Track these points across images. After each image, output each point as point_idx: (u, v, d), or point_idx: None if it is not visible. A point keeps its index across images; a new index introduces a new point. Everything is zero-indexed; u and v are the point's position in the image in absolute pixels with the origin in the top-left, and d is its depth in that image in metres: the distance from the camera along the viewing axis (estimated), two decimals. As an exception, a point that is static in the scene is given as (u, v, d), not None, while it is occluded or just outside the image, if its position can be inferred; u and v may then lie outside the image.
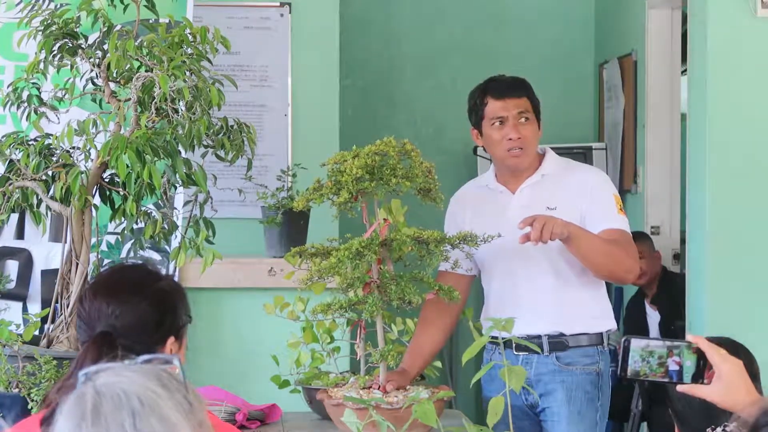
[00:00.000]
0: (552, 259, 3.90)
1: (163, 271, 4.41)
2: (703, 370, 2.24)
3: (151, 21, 3.94)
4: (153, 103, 3.58)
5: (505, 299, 3.93)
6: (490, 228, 3.75)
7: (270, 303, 4.01)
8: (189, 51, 3.72)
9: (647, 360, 2.26)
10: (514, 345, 3.90)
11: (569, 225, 3.72)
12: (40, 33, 3.78)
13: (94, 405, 1.51)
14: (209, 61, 3.79)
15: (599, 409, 3.95)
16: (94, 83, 3.89)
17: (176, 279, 4.38)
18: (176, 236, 3.88)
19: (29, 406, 3.49)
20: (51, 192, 3.71)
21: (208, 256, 3.73)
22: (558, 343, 3.90)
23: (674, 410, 2.73)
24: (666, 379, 2.27)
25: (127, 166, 3.49)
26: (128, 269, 2.77)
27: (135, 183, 3.53)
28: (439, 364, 4.11)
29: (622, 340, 2.28)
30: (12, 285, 4.41)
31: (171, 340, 2.52)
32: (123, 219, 3.70)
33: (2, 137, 3.84)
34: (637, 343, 2.27)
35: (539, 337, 3.90)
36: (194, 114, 3.59)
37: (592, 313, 3.96)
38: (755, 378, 2.61)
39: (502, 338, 3.85)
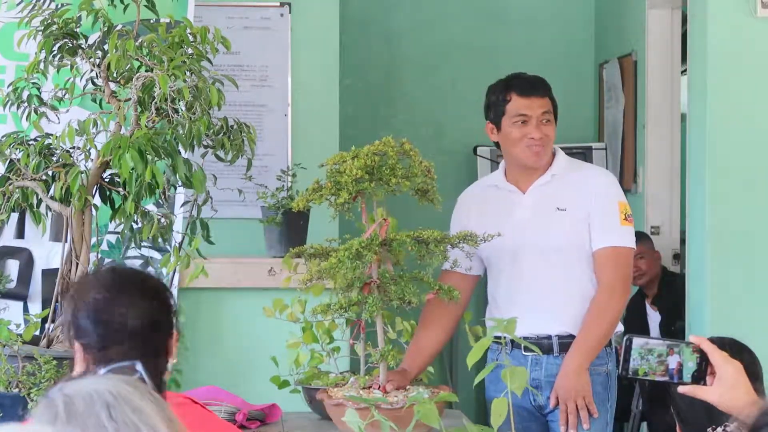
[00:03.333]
0: (561, 259, 3.88)
1: (164, 271, 4.41)
2: (704, 371, 2.24)
3: (151, 21, 3.94)
4: (153, 103, 3.58)
5: (515, 299, 3.90)
6: (497, 226, 3.76)
7: (270, 303, 4.01)
8: (189, 51, 3.72)
9: (647, 358, 2.26)
10: (522, 345, 3.85)
11: (581, 371, 3.81)
12: (41, 33, 3.78)
13: (65, 406, 1.54)
14: (209, 61, 3.79)
15: (609, 410, 3.94)
16: (94, 83, 3.89)
17: (176, 279, 4.39)
18: (176, 236, 3.89)
19: (29, 406, 3.49)
20: (51, 192, 3.71)
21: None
22: (568, 344, 3.87)
23: (676, 409, 2.73)
24: (665, 378, 2.26)
25: (130, 167, 3.49)
26: (128, 271, 2.78)
27: (136, 183, 3.53)
28: (431, 369, 4.09)
29: (624, 338, 2.28)
30: (12, 285, 4.41)
31: (175, 334, 2.55)
32: (123, 219, 3.70)
33: (2, 137, 3.84)
34: (637, 342, 2.27)
35: (549, 337, 3.88)
36: (194, 114, 3.59)
37: None
38: (757, 378, 2.61)
39: (509, 339, 3.85)
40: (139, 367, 1.83)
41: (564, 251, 3.87)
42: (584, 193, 3.90)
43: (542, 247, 3.87)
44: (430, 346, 3.89)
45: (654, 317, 6.40)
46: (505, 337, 3.83)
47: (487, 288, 4.03)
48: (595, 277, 3.89)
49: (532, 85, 3.96)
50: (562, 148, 4.12)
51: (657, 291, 6.38)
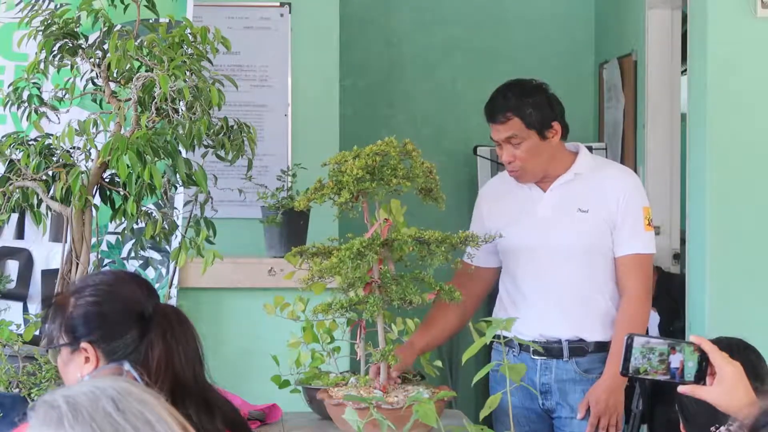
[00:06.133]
0: (580, 262, 3.86)
1: (164, 271, 4.41)
2: (705, 371, 2.24)
3: (151, 21, 3.94)
4: (153, 103, 3.58)
5: (528, 299, 3.89)
6: (517, 224, 3.75)
7: (270, 303, 4.01)
8: (189, 51, 3.72)
9: (648, 357, 2.26)
10: (531, 348, 3.83)
11: (618, 387, 3.84)
12: (40, 33, 3.77)
13: (69, 406, 1.53)
14: (209, 61, 3.79)
15: None
16: (94, 83, 3.89)
17: (176, 279, 4.39)
18: (177, 236, 3.89)
19: (29, 407, 3.48)
20: (51, 192, 3.71)
21: (208, 256, 3.73)
22: (578, 348, 3.87)
23: (681, 407, 2.73)
24: (666, 377, 2.26)
25: (128, 167, 3.49)
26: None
27: (135, 183, 3.53)
28: (439, 363, 4.10)
29: (625, 337, 2.28)
30: (12, 285, 4.41)
31: None
32: (123, 219, 3.70)
33: (2, 137, 3.84)
34: (638, 341, 2.27)
35: (559, 341, 3.87)
36: (194, 114, 3.59)
37: (612, 319, 3.89)
38: (761, 379, 2.61)
39: (516, 341, 3.85)
40: (127, 366, 1.83)
41: (584, 254, 3.85)
42: (609, 195, 3.87)
43: (562, 247, 3.85)
44: (442, 326, 3.87)
45: (653, 318, 6.39)
46: (511, 340, 3.82)
47: (499, 284, 4.01)
48: (619, 284, 3.87)
49: (492, 111, 3.91)
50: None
51: (656, 293, 6.38)
